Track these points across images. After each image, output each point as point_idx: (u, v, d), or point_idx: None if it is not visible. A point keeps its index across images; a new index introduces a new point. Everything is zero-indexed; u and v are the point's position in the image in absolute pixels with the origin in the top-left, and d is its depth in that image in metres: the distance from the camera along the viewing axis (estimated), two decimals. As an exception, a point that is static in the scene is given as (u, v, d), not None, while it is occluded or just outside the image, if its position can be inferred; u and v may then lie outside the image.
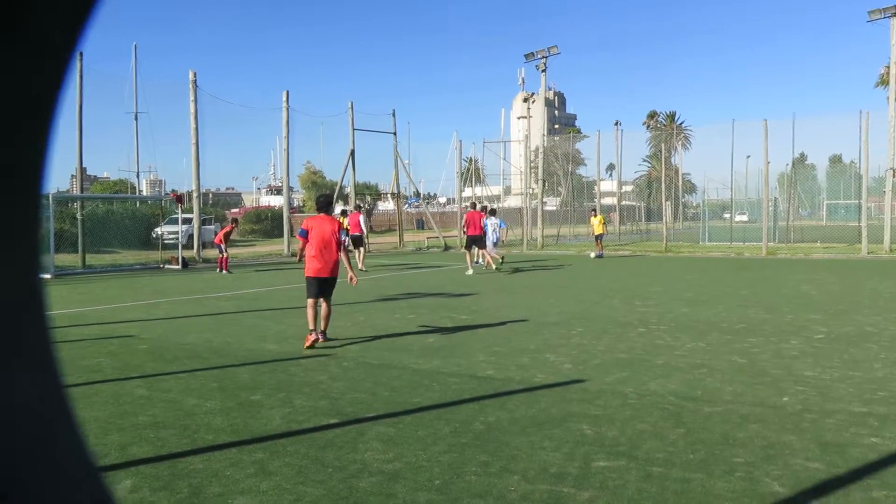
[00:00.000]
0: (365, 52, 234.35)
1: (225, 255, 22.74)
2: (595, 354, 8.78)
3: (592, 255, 27.11)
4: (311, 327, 9.46)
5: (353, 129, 34.22)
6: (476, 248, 21.40)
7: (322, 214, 9.76)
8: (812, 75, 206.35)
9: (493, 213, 22.41)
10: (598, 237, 27.29)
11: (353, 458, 5.06)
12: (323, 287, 9.52)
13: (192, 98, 28.24)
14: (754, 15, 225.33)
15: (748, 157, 38.60)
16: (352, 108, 34.22)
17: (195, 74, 28.47)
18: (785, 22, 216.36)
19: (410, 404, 6.53)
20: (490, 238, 21.51)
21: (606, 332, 10.45)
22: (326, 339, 9.64)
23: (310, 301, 9.52)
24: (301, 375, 7.81)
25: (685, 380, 7.35)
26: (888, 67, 35.83)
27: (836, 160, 54.67)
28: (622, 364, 8.18)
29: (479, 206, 22.73)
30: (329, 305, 9.63)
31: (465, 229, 21.70)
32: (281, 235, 34.54)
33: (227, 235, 22.98)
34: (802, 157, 55.51)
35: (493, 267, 20.53)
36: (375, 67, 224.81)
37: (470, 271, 20.55)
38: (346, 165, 34.45)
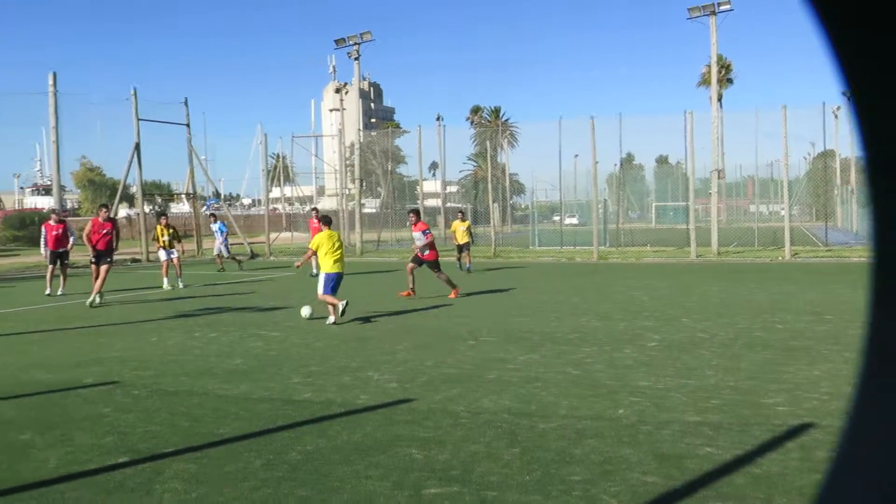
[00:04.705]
0: (150, 34, 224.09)
1: None
2: (422, 371, 8.91)
3: (463, 268, 23.54)
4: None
5: (138, 120, 32.63)
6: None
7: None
8: (637, 73, 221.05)
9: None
10: (463, 247, 23.72)
11: (149, 502, 4.82)
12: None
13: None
14: (574, 7, 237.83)
15: (576, 155, 40.65)
16: (135, 95, 32.64)
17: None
18: (606, 15, 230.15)
19: (215, 436, 6.33)
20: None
21: (433, 345, 10.64)
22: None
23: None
24: (81, 408, 7.35)
25: (519, 395, 7.62)
26: (709, 67, 39.12)
27: (663, 161, 58.97)
28: (452, 380, 8.36)
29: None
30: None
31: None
32: (51, 243, 32.30)
33: None
34: (630, 157, 59.40)
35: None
36: (160, 49, 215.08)
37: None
38: (130, 161, 32.81)
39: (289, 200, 57.92)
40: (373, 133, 60.68)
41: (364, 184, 40.25)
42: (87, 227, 16.52)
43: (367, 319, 13.31)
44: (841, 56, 0.76)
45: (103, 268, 16.21)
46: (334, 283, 13.10)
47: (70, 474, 5.41)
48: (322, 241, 13.30)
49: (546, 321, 12.88)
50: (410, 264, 16.83)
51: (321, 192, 69.19)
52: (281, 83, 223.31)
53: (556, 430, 6.34)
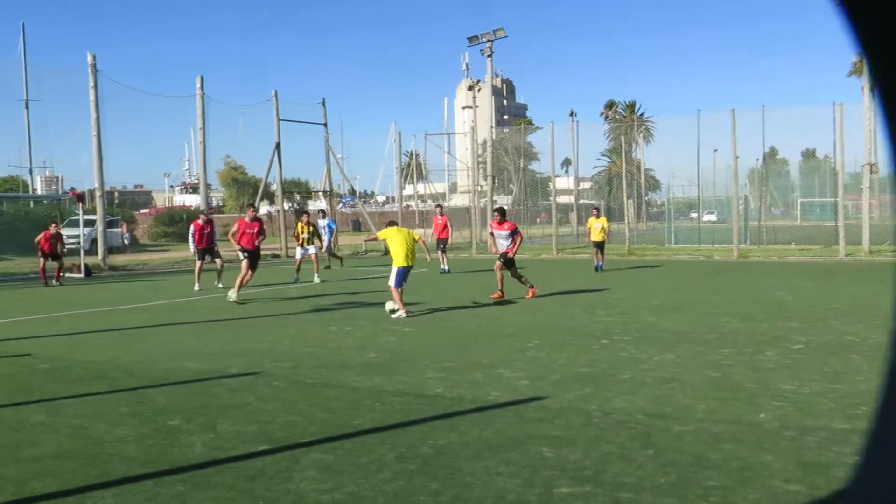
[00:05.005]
0: (288, 32, 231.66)
1: (60, 264, 22.36)
2: (554, 369, 8.86)
3: (596, 266, 23.22)
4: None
5: (279, 120, 33.92)
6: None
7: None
8: (782, 62, 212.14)
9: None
10: (598, 245, 23.24)
11: (287, 489, 5.01)
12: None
13: (91, 84, 27.69)
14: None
15: (715, 151, 39.41)
16: (276, 96, 33.93)
17: (94, 58, 27.90)
18: (749, 3, 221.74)
19: (350, 427, 6.50)
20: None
21: (566, 344, 10.56)
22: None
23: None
24: (225, 397, 7.71)
25: (653, 396, 7.47)
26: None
27: (809, 155, 56.36)
28: (584, 379, 8.28)
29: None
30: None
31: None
32: (198, 239, 33.95)
33: (47, 241, 22.14)
34: (773, 151, 57.01)
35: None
36: (301, 51, 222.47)
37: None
38: (271, 160, 34.14)
39: (421, 197, 58.75)
40: (505, 130, 60.69)
41: (496, 181, 40.34)
42: (234, 227, 17.05)
43: (496, 318, 13.35)
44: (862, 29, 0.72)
45: (244, 264, 16.73)
46: (403, 276, 13.92)
47: (215, 459, 5.69)
48: (391, 235, 14.17)
49: (683, 320, 12.57)
50: (498, 262, 16.52)
51: (453, 189, 69.83)
52: (414, 81, 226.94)
53: (693, 433, 6.18)
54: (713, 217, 42.93)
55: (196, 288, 18.95)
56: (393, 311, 13.72)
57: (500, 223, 16.33)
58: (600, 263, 22.94)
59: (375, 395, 7.68)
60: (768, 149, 42.63)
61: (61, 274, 22.36)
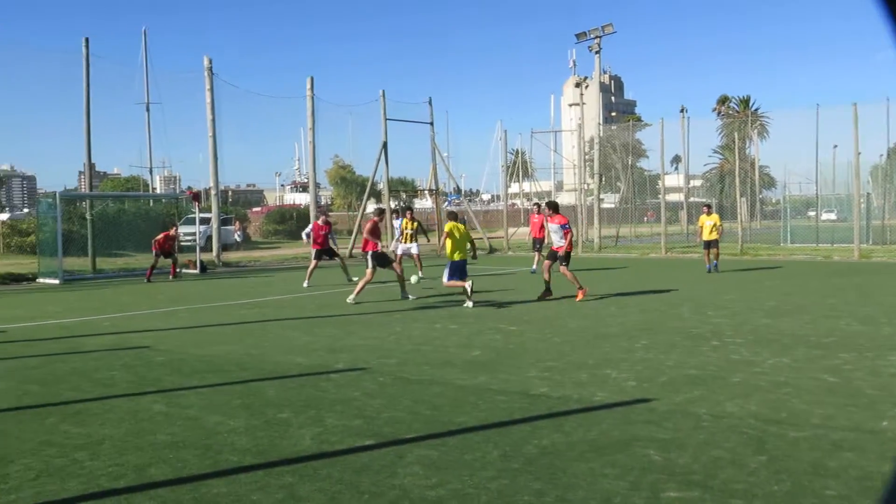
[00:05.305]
0: (395, 34, 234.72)
1: (174, 260, 23.15)
2: (662, 370, 8.69)
3: (710, 266, 22.19)
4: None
5: (386, 120, 34.38)
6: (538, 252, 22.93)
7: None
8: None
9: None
10: (710, 244, 22.22)
11: (392, 484, 5.07)
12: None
13: (207, 87, 28.72)
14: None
15: (835, 146, 37.94)
16: (383, 96, 34.41)
17: (210, 61, 28.92)
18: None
19: (454, 424, 6.54)
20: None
21: (675, 345, 10.35)
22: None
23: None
24: (332, 392, 7.87)
25: (767, 400, 7.23)
26: None
27: (938, 150, 53.31)
28: (694, 381, 8.09)
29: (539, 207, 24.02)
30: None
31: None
32: (308, 237, 34.75)
33: (165, 242, 22.93)
34: (899, 146, 54.21)
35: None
36: (407, 51, 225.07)
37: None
38: (378, 159, 34.64)
39: (527, 196, 58.47)
40: (613, 127, 59.89)
41: (603, 178, 39.82)
42: (369, 226, 16.95)
43: (601, 317, 13.19)
44: None
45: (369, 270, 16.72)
46: (460, 269, 14.87)
47: (322, 452, 5.81)
48: (452, 230, 14.89)
49: (799, 323, 12.12)
50: (547, 262, 16.09)
51: (559, 187, 69.35)
52: (520, 79, 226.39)
53: (809, 439, 5.95)
54: (832, 216, 41.32)
55: (305, 285, 19.35)
56: (466, 301, 14.68)
57: (552, 216, 16.08)
58: (715, 263, 22.06)
59: (479, 393, 7.70)
60: (893, 144, 40.54)
61: (177, 270, 23.26)
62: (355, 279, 18.91)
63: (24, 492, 5.05)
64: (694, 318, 12.89)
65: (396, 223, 23.06)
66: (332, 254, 20.31)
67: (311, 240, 20.08)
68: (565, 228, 15.79)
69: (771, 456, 5.56)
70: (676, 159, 62.79)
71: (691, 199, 46.95)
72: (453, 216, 15.68)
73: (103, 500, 4.88)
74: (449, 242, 14.87)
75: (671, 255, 30.91)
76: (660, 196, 37.10)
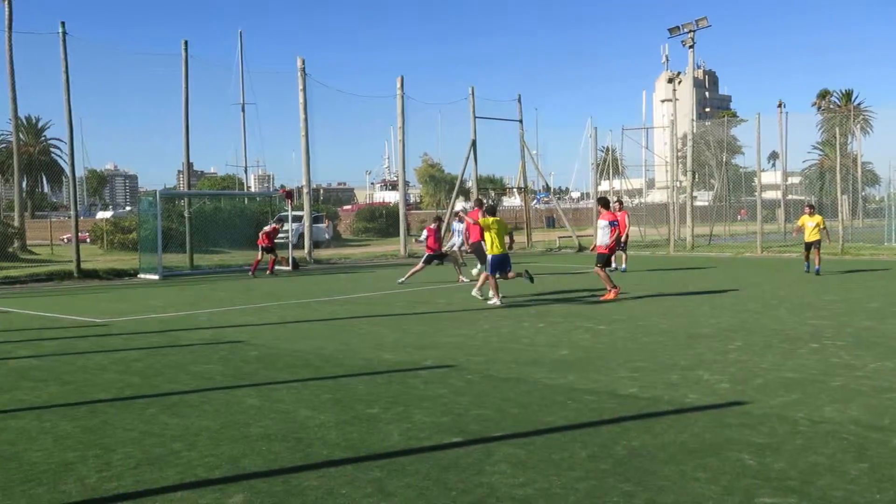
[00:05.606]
0: (484, 31, 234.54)
1: (273, 256, 23.46)
2: (758, 373, 8.47)
3: (811, 268, 21.06)
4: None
5: (475, 118, 34.45)
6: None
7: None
8: None
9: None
10: (812, 245, 21.19)
11: (479, 482, 5.08)
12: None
13: (301, 87, 29.29)
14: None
15: (944, 141, 36.18)
16: (472, 93, 34.48)
17: (304, 62, 29.48)
18: None
19: (542, 424, 6.51)
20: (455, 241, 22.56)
21: (771, 347, 10.07)
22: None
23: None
24: (420, 388, 7.94)
25: (869, 405, 6.97)
26: None
27: None
28: (791, 385, 7.86)
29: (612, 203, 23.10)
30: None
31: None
32: (397, 234, 35.14)
33: (269, 236, 23.42)
34: None
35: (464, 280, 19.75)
36: (496, 48, 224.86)
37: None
38: (467, 157, 34.74)
39: (617, 193, 57.75)
40: (707, 123, 58.61)
41: (696, 176, 39.00)
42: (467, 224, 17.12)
43: (693, 317, 12.92)
44: None
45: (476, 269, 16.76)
46: (500, 264, 14.86)
47: (410, 448, 5.87)
48: (491, 225, 14.86)
49: (903, 326, 11.63)
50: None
51: (651, 184, 68.20)
52: (611, 75, 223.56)
53: (914, 447, 5.71)
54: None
55: (399, 280, 19.25)
56: (487, 299, 14.62)
57: (601, 213, 15.82)
58: (818, 268, 20.84)
59: (567, 393, 7.64)
60: None
61: (274, 266, 23.81)
62: (465, 280, 19.04)
63: (126, 479, 5.26)
64: (791, 320, 12.51)
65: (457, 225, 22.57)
66: (442, 257, 20.19)
67: (425, 242, 19.99)
68: (613, 226, 15.53)
69: (873, 463, 5.36)
70: (773, 156, 61.12)
71: (789, 197, 45.55)
72: (492, 210, 15.43)
73: (199, 490, 5.03)
74: (490, 237, 14.80)
75: (767, 254, 30.06)
76: (756, 193, 36.13)
